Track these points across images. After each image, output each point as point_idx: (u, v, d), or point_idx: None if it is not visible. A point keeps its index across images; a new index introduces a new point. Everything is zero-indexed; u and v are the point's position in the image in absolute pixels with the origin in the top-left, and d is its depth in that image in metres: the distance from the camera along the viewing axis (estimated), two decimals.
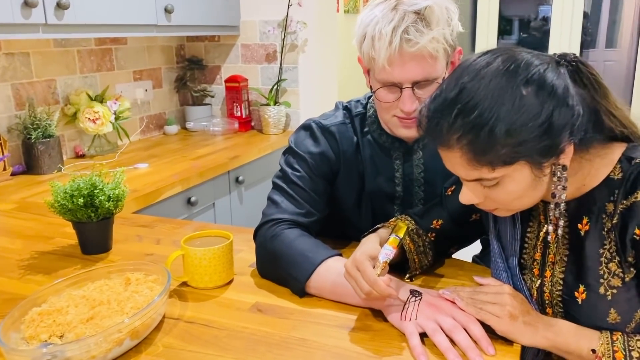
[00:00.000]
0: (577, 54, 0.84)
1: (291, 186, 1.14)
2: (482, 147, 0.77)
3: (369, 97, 1.23)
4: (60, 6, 1.66)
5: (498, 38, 4.97)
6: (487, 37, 4.72)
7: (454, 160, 0.82)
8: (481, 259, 1.51)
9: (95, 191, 1.17)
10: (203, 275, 1.04)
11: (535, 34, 5.19)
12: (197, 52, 2.85)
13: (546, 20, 4.89)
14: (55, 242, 1.32)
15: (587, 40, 5.02)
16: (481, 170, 0.80)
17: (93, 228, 1.21)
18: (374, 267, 0.90)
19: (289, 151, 1.20)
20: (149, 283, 0.98)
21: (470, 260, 1.37)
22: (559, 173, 0.82)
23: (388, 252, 0.93)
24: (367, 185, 1.21)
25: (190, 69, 2.83)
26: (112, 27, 1.93)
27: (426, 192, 1.22)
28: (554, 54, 0.84)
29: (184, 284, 1.07)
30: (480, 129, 0.76)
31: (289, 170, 1.16)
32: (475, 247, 1.39)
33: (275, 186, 1.17)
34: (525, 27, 5.23)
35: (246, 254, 1.20)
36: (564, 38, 4.39)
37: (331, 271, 1.00)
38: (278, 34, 2.64)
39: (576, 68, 0.83)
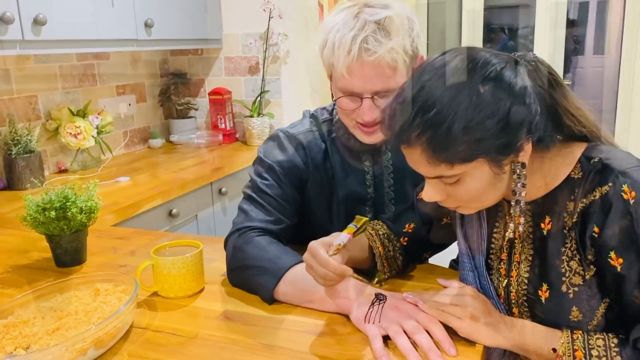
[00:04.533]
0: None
1: (260, 195, 1.15)
2: (440, 144, 0.78)
3: (335, 103, 1.24)
4: (37, 22, 1.68)
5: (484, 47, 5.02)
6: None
7: (415, 158, 0.82)
8: (458, 263, 1.51)
9: (68, 204, 1.17)
10: (172, 285, 1.05)
11: (521, 41, 5.24)
12: (180, 65, 2.87)
13: (532, 28, 4.93)
14: (31, 255, 1.32)
15: (575, 47, 5.06)
16: (440, 167, 0.80)
17: (66, 241, 1.21)
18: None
19: (257, 161, 1.21)
20: (118, 293, 0.99)
21: (447, 266, 1.38)
22: (518, 170, 0.83)
23: (343, 238, 0.94)
24: (339, 190, 1.22)
25: (174, 82, 2.85)
26: (91, 42, 1.94)
27: (396, 192, 1.23)
28: (514, 54, 0.85)
29: (155, 294, 1.08)
30: (438, 126, 0.77)
31: (257, 180, 1.17)
32: (453, 252, 1.39)
33: (245, 196, 1.18)
34: (512, 36, 5.27)
35: (219, 263, 1.20)
36: (548, 45, 4.43)
37: (298, 277, 1.00)
38: (260, 46, 2.67)
39: (535, 67, 0.84)
